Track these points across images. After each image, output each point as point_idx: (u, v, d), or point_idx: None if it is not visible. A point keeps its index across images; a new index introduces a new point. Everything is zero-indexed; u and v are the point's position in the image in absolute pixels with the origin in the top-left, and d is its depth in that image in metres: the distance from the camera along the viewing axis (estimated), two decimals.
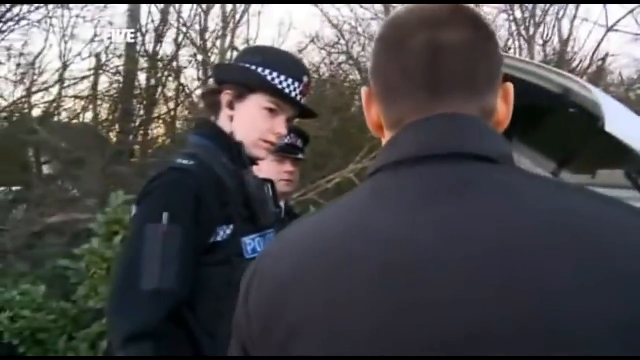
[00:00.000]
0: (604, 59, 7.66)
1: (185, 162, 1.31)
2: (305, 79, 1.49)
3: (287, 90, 1.45)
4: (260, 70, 1.44)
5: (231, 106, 1.45)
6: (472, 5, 0.70)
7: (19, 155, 7.49)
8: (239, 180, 1.39)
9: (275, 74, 1.44)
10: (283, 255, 0.67)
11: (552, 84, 1.80)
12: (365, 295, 0.58)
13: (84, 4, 7.70)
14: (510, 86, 0.72)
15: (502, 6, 7.71)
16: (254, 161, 1.50)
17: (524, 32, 7.75)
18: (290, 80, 1.45)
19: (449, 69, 0.66)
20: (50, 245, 5.20)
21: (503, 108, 0.71)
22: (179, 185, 1.28)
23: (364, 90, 0.74)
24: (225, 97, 1.46)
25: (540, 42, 7.95)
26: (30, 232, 5.47)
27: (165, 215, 1.23)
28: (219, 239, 1.31)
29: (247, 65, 1.46)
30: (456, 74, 0.66)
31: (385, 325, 0.57)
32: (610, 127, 1.61)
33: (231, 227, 1.33)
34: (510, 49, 7.92)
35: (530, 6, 7.56)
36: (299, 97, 1.47)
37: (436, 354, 0.54)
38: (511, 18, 7.74)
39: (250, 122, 1.44)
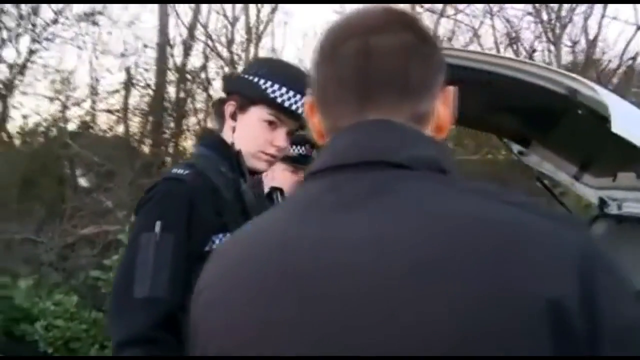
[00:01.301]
0: (634, 58, 7.48)
1: (180, 171, 1.36)
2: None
3: (287, 104, 1.45)
4: (262, 82, 1.45)
5: (234, 117, 1.48)
6: (406, 9, 0.71)
7: (55, 169, 7.71)
8: (236, 190, 1.42)
9: (276, 87, 1.45)
10: (217, 260, 0.70)
11: (560, 85, 1.78)
12: (253, 300, 0.61)
13: (114, 21, 7.93)
14: (450, 89, 0.71)
15: (527, 8, 7.62)
16: (255, 171, 1.51)
17: (550, 34, 7.63)
18: (291, 93, 1.45)
19: (379, 74, 0.66)
20: (83, 256, 5.34)
21: (444, 112, 0.70)
22: (172, 194, 1.32)
23: (306, 100, 0.75)
24: (229, 107, 1.49)
25: (569, 43, 7.82)
26: (64, 244, 5.63)
27: (158, 224, 1.27)
28: (214, 247, 1.33)
29: (251, 77, 1.48)
30: (386, 79, 0.66)
31: (281, 331, 0.59)
32: (617, 127, 1.59)
33: (227, 235, 1.34)
34: (534, 51, 7.81)
35: (555, 7, 7.44)
36: (300, 110, 1.47)
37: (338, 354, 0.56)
38: (537, 20, 7.63)
39: (250, 133, 1.46)
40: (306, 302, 0.58)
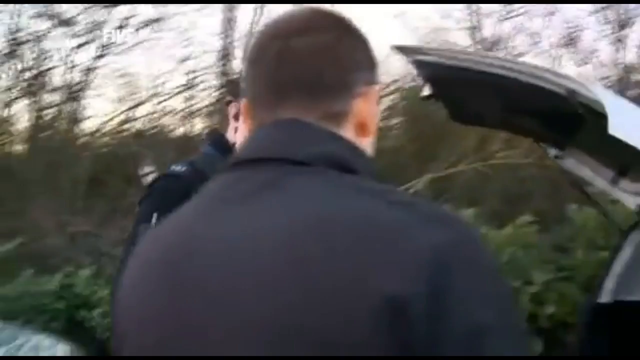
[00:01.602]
0: None
1: (178, 168, 1.50)
2: None
3: None
4: None
5: (237, 118, 1.60)
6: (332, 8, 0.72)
7: (121, 168, 8.16)
8: None
9: None
10: (134, 259, 0.74)
11: (559, 86, 1.76)
12: (150, 296, 0.66)
13: (174, 29, 8.30)
14: (370, 89, 0.71)
15: (591, 8, 7.36)
16: None
17: (614, 34, 7.35)
18: None
19: (292, 74, 0.68)
20: None
21: (366, 110, 0.70)
22: (168, 189, 1.47)
23: (242, 103, 0.79)
24: (232, 109, 1.61)
25: (637, 42, 7.47)
26: (123, 237, 5.96)
27: (154, 216, 1.40)
28: None
29: None
30: (298, 79, 0.68)
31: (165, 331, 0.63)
32: (614, 129, 1.56)
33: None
34: (596, 49, 7.53)
35: (620, 7, 7.16)
36: None
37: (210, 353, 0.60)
38: (601, 20, 7.37)
39: None
40: (191, 298, 0.62)
